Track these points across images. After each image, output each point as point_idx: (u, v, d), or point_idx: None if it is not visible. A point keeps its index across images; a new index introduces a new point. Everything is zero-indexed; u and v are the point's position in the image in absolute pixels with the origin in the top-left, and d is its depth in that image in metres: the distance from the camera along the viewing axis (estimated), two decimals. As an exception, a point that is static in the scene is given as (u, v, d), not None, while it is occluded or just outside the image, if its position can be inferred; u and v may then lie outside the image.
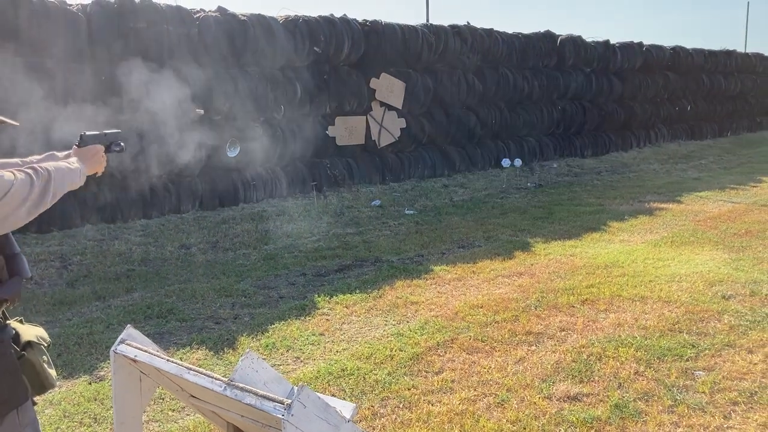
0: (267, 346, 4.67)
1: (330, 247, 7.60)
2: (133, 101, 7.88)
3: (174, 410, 3.74)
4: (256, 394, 2.08)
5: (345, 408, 2.37)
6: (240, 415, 2.56)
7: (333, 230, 8.47)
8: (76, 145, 2.26)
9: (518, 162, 12.77)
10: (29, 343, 1.91)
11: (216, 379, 2.20)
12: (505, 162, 12.61)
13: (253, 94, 9.53)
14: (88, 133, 2.29)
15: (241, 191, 9.78)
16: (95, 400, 3.86)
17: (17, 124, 2.01)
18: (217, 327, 5.11)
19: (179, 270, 6.73)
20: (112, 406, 3.83)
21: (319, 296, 5.73)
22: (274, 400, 2.05)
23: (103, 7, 8.18)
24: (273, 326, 5.05)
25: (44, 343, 2.00)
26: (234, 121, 9.64)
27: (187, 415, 3.70)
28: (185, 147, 8.77)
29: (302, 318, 5.23)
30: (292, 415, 1.99)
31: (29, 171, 1.84)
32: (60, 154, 2.23)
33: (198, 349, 4.62)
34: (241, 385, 2.13)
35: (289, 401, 2.02)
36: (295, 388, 2.53)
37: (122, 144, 2.48)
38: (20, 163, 2.10)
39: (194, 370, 2.27)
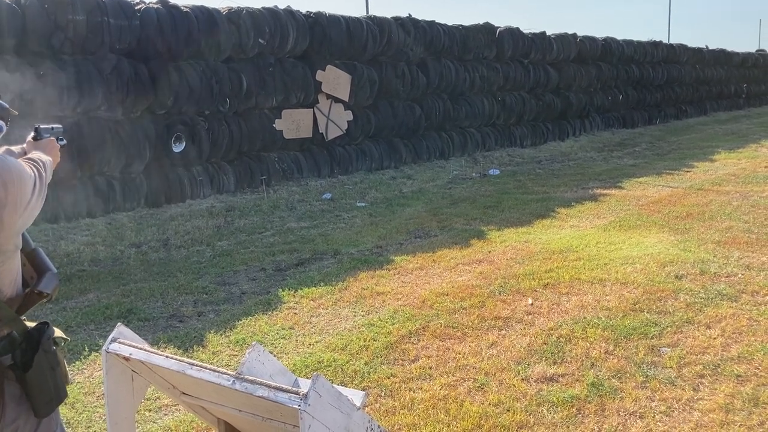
0: (237, 342, 4.59)
1: (286, 241, 7.51)
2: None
3: (151, 410, 3.63)
4: (268, 386, 2.05)
5: (355, 396, 2.36)
6: (238, 409, 2.51)
7: (287, 224, 8.38)
8: (32, 138, 2.14)
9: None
10: (55, 341, 1.83)
11: (222, 373, 2.15)
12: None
13: (197, 87, 9.31)
14: (42, 126, 2.19)
15: (187, 187, 9.56)
16: (65, 404, 3.70)
17: (16, 113, 1.91)
18: (181, 325, 4.99)
19: (133, 269, 6.52)
20: (83, 410, 3.71)
21: (282, 290, 5.66)
22: (288, 391, 2.02)
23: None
24: (240, 322, 4.96)
25: (67, 339, 1.92)
26: (178, 115, 9.41)
27: (165, 414, 3.60)
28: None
29: (269, 313, 5.16)
30: (308, 405, 1.97)
31: (32, 164, 1.76)
32: (15, 148, 2.11)
33: (166, 347, 4.49)
34: (250, 378, 2.09)
35: (305, 391, 1.99)
36: (299, 379, 2.50)
37: (64, 139, 2.39)
38: None
39: (197, 366, 2.22)
